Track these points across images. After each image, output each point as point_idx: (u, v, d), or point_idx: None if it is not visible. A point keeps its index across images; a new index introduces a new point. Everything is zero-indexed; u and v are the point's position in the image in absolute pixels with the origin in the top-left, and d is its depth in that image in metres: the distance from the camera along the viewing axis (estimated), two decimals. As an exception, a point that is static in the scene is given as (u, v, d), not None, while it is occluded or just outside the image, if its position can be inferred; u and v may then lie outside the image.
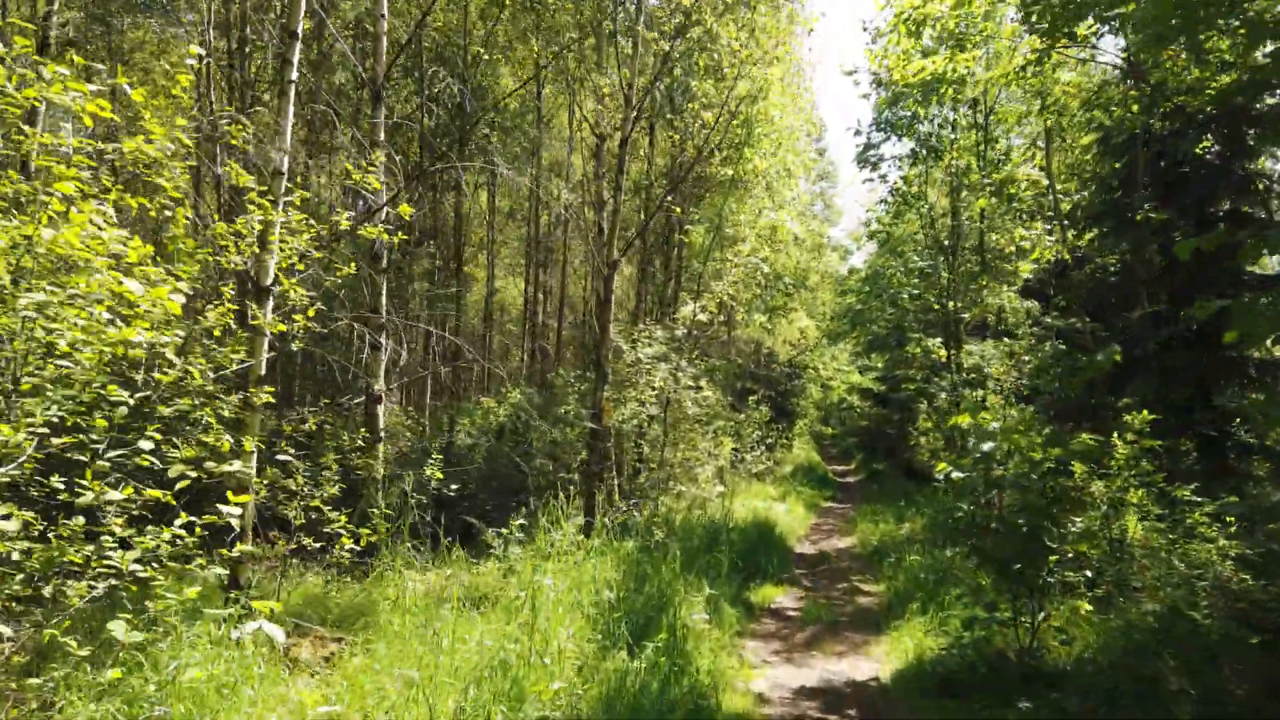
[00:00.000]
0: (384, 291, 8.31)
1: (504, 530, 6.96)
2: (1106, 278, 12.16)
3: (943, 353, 14.30)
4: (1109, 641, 6.96)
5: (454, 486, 9.07)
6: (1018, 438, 6.48)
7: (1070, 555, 6.71)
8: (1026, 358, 12.29)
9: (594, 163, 11.92)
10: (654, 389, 11.67)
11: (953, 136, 14.32)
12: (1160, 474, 8.90)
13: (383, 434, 8.28)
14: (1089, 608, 7.19)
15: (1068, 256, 12.08)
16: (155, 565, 4.05)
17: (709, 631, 6.48)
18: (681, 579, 7.56)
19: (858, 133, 14.94)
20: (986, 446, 6.35)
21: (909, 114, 14.69)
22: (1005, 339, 12.55)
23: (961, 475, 7.27)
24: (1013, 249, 14.32)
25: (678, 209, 12.43)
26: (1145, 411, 8.92)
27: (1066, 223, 12.72)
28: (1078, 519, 6.74)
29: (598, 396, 9.44)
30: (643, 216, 14.56)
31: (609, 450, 12.41)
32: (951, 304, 15.02)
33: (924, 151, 14.59)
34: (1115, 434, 8.63)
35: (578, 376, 13.42)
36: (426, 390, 20.98)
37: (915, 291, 13.79)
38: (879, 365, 36.95)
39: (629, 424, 11.59)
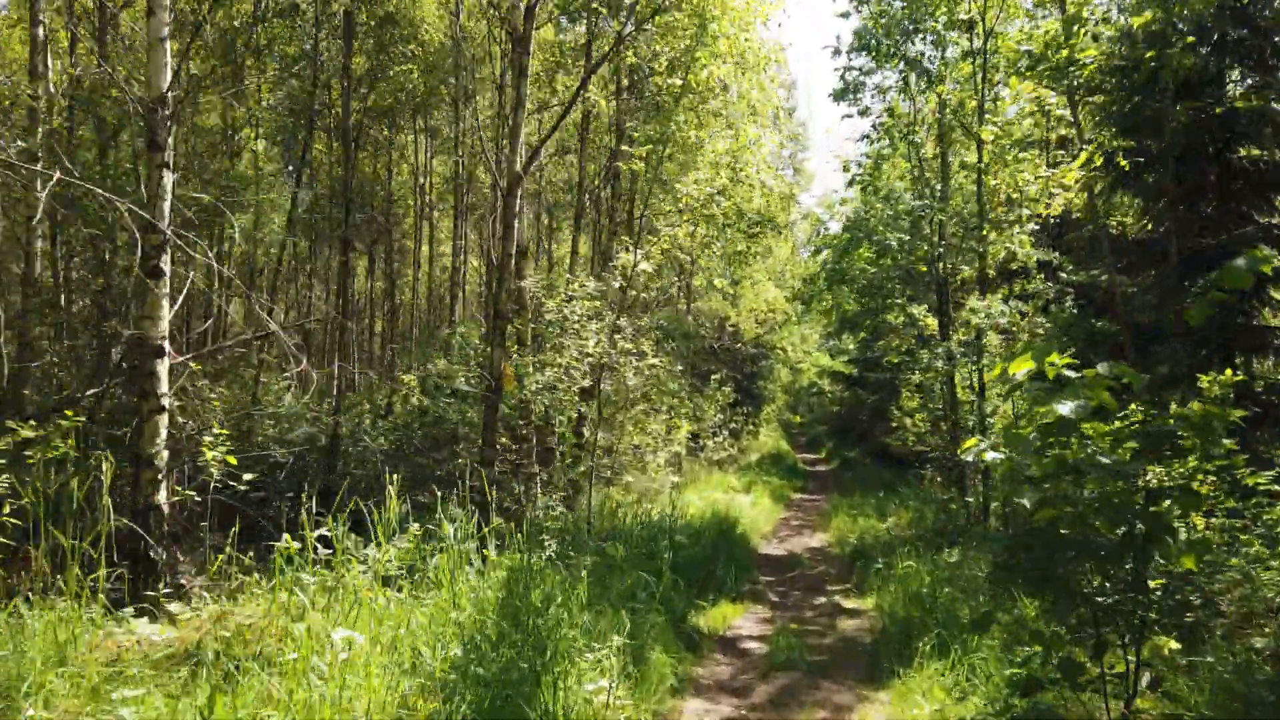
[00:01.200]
0: (168, 194, 5.67)
1: (295, 541, 4.39)
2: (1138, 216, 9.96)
3: (932, 321, 11.97)
4: (1223, 702, 4.67)
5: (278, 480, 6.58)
6: (1106, 396, 4.09)
7: (1178, 573, 4.36)
8: (1040, 319, 10.00)
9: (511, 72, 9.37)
10: (584, 354, 9.17)
11: (947, 55, 11.95)
12: (1241, 456, 6.59)
13: (166, 401, 5.65)
14: (1176, 645, 4.90)
15: (1101, 190, 9.83)
16: None
17: (616, 711, 4.01)
18: (589, 611, 5.08)
19: (836, 52, 12.51)
20: (1067, 408, 3.94)
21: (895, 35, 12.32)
22: (1015, 299, 10.24)
23: (1000, 457, 4.89)
24: (1018, 192, 12.05)
25: (600, 100, 9.99)
26: (1216, 375, 6.68)
27: (1090, 142, 10.46)
28: (1192, 521, 4.37)
29: (494, 360, 6.92)
30: (579, 164, 12.05)
31: (527, 432, 9.87)
32: (941, 265, 12.70)
33: (914, 76, 12.21)
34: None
35: (485, 336, 10.85)
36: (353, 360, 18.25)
37: (905, 236, 11.42)
38: (851, 347, 34.86)
39: (545, 397, 9.06)
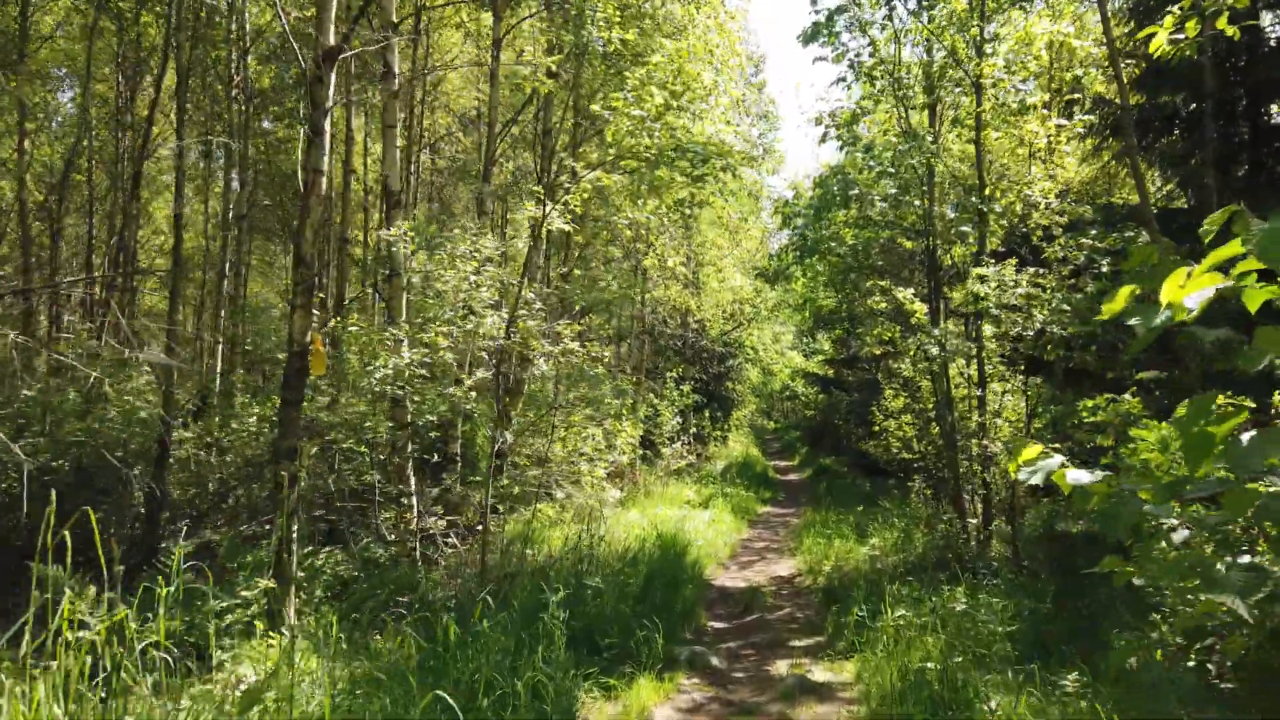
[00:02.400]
0: None
1: None
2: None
3: (921, 306, 9.82)
4: None
5: None
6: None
7: None
8: (1059, 295, 7.80)
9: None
10: (470, 333, 6.84)
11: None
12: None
13: None
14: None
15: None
16: None
17: None
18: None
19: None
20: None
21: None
22: (1028, 268, 8.03)
23: (1091, 477, 2.69)
24: (1023, 147, 9.96)
25: None
26: None
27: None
28: None
29: (294, 328, 4.58)
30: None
31: (401, 439, 7.50)
32: (931, 238, 10.52)
33: (900, 3, 10.04)
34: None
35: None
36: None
37: (893, 190, 9.20)
38: (826, 347, 32.76)
39: (414, 387, 6.67)
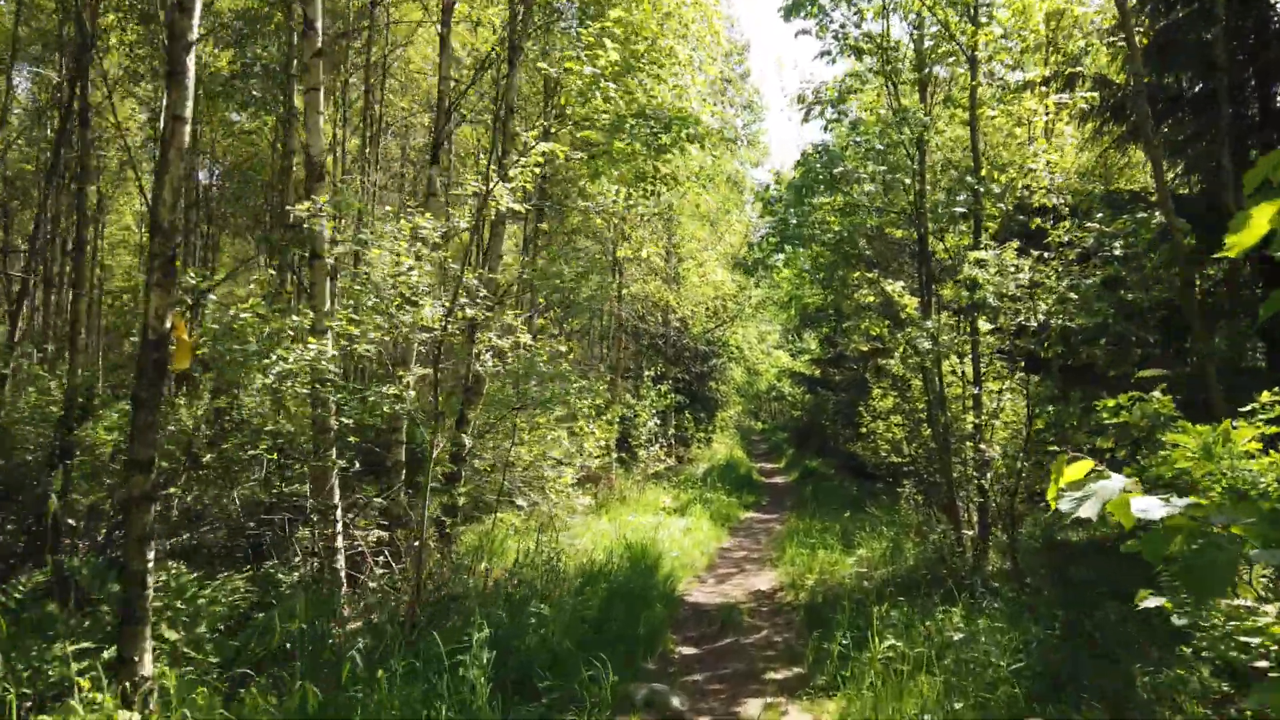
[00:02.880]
0: None
1: None
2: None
3: (911, 301, 9.04)
4: None
5: None
6: None
7: None
8: (1067, 281, 7.00)
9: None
10: (391, 318, 5.99)
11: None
12: None
13: None
14: None
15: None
16: None
17: None
18: None
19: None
20: None
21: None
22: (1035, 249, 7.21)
23: (1165, 508, 1.82)
24: (1020, 126, 9.17)
25: None
26: None
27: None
28: None
29: (151, 311, 3.71)
30: None
31: (326, 442, 6.61)
32: (925, 221, 9.75)
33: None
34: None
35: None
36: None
37: (881, 169, 8.39)
38: (813, 346, 32.00)
39: (294, 383, 5.78)
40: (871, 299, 11.41)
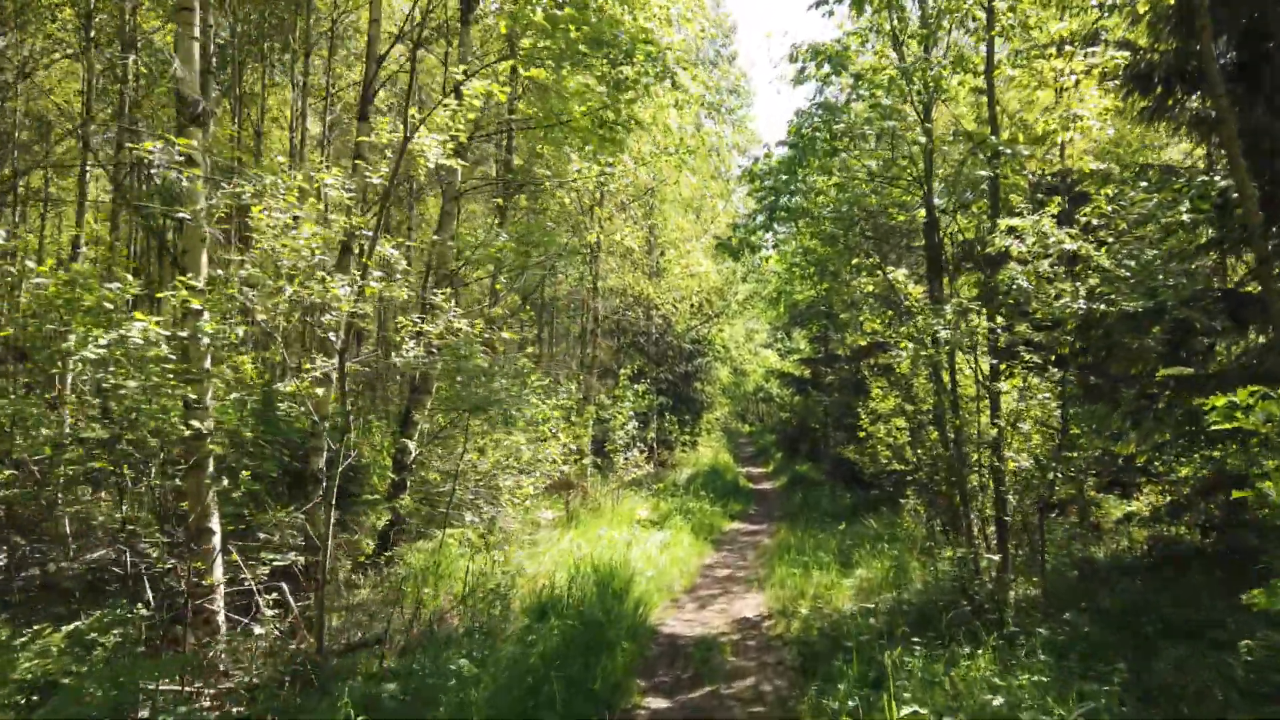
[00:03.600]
0: None
1: None
2: None
3: (916, 290, 7.85)
4: None
5: None
6: None
7: None
8: (1117, 256, 5.76)
9: None
10: (298, 300, 4.67)
11: None
12: None
13: None
14: None
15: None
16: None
17: None
18: None
19: None
20: None
21: None
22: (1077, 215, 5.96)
23: None
24: (1047, 93, 7.92)
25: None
26: None
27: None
28: None
29: None
30: None
31: (200, 451, 5.26)
32: (928, 202, 8.57)
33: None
34: None
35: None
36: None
37: (890, 124, 7.14)
38: (803, 345, 30.77)
39: (111, 374, 4.41)
40: (871, 288, 10.17)
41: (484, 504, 9.11)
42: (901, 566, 9.11)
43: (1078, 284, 6.13)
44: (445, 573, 8.52)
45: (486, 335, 6.32)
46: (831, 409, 17.97)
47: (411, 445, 9.11)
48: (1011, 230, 5.80)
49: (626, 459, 14.26)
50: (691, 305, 20.88)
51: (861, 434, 10.70)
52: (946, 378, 8.43)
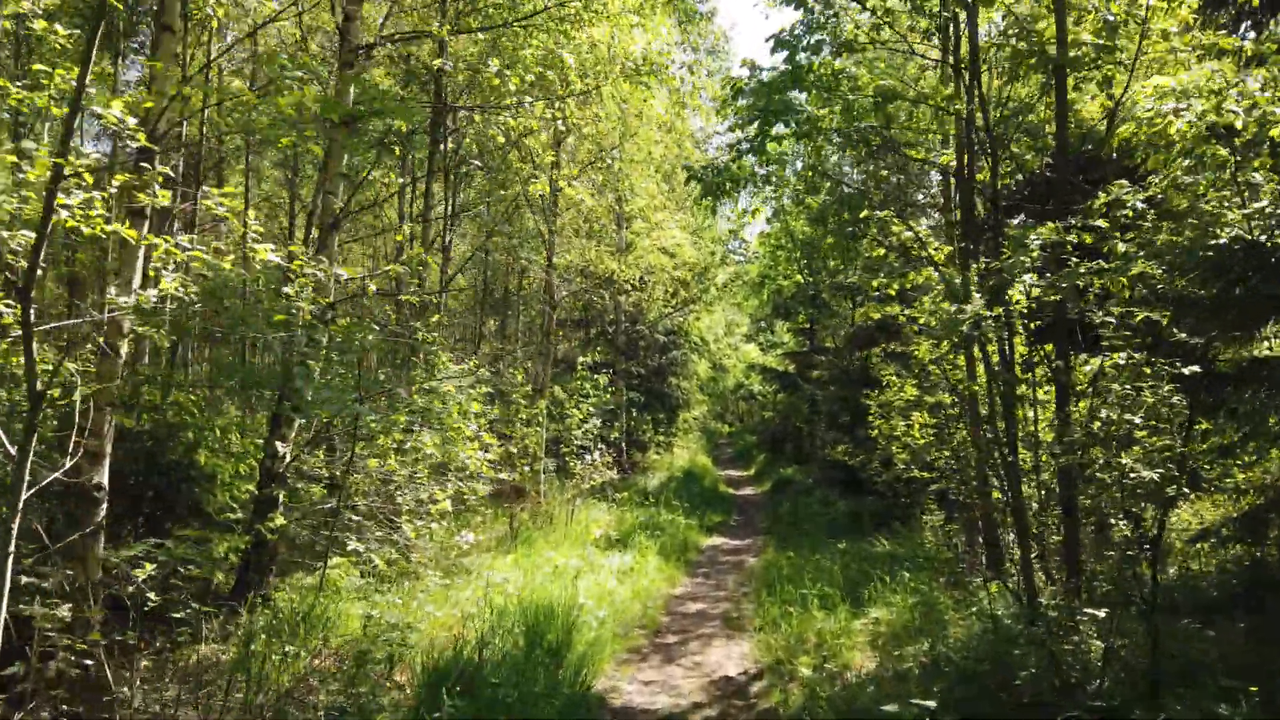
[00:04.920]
0: None
1: None
2: None
3: (939, 254, 5.73)
4: None
5: None
6: None
7: None
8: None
9: None
10: None
11: None
12: None
13: None
14: None
15: None
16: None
17: None
18: None
19: None
20: None
21: None
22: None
23: None
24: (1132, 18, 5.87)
25: None
26: None
27: None
28: None
29: None
30: None
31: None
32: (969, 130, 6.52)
33: None
34: None
35: None
36: None
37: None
38: (786, 338, 28.71)
39: None
40: (880, 253, 8.08)
41: (378, 525, 6.86)
42: (929, 604, 6.99)
43: (1220, 217, 4.04)
44: (320, 621, 6.28)
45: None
46: (823, 404, 15.89)
47: (284, 448, 6.84)
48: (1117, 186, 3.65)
49: (587, 463, 12.05)
50: (666, 290, 18.72)
51: (873, 431, 8.56)
52: (992, 352, 6.34)
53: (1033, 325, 6.43)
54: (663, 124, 12.03)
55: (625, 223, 13.89)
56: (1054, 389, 6.21)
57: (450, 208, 11.26)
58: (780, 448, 24.74)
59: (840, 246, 9.65)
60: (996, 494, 7.46)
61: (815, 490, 16.22)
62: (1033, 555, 6.12)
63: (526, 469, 11.14)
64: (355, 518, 6.62)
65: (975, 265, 6.49)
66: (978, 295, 5.79)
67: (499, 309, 22.64)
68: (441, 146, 9.86)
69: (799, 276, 22.20)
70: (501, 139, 8.34)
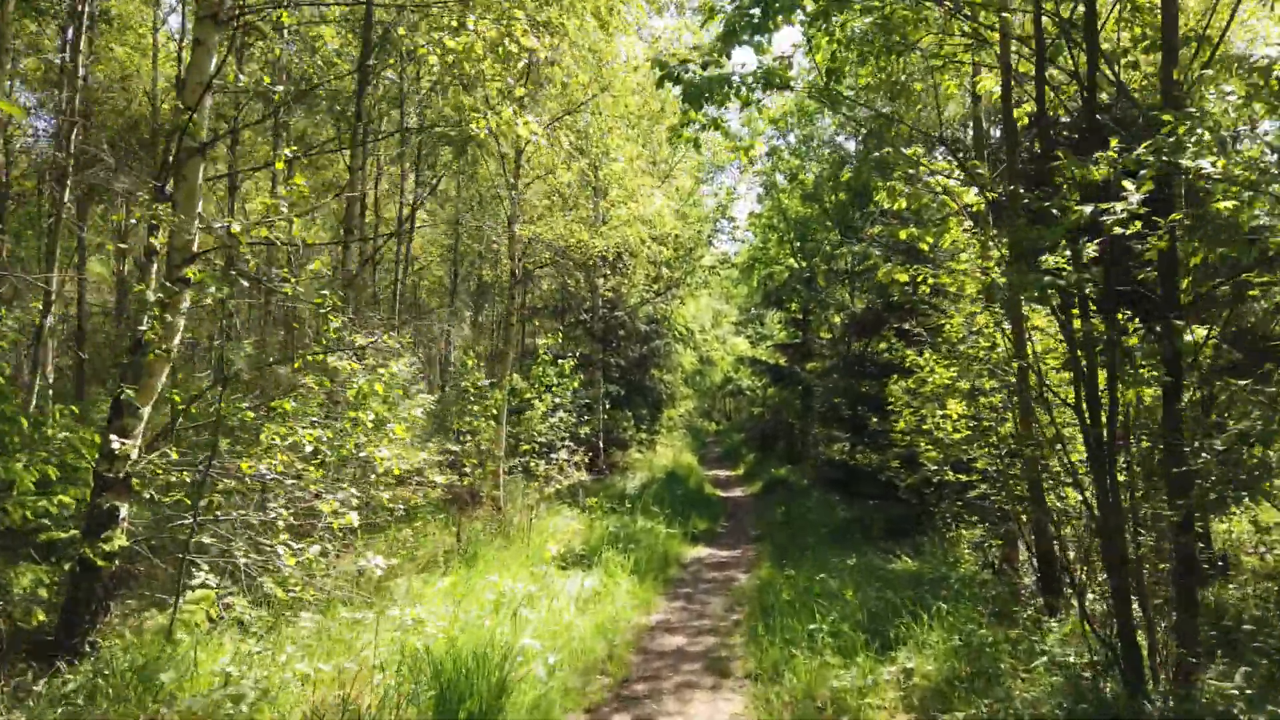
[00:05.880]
0: None
1: None
2: None
3: (970, 194, 3.93)
4: None
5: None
6: None
7: None
8: None
9: None
10: None
11: None
12: None
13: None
14: None
15: None
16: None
17: None
18: None
19: None
20: None
21: None
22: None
23: None
24: None
25: None
26: None
27: None
28: None
29: None
30: None
31: None
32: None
33: None
34: None
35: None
36: None
37: None
38: (778, 331, 27.08)
39: None
40: (902, 204, 6.46)
41: (251, 547, 5.15)
42: (977, 646, 5.36)
43: None
44: (159, 677, 4.59)
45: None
46: (820, 397, 14.26)
47: (127, 445, 5.12)
48: None
49: (551, 463, 10.36)
50: (647, 274, 17.04)
51: (898, 424, 6.90)
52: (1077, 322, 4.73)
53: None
54: (637, 65, 10.37)
55: (600, 193, 12.22)
56: (1146, 366, 4.62)
57: (412, 172, 9.58)
58: (771, 446, 23.15)
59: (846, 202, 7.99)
60: (1054, 499, 5.88)
61: (812, 492, 14.62)
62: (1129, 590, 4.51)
63: (480, 470, 9.44)
64: (209, 540, 4.91)
65: (1019, 217, 4.87)
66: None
67: (475, 301, 20.94)
68: (373, 85, 8.14)
69: (792, 261, 20.60)
70: (435, 59, 6.64)
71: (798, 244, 19.57)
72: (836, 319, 17.09)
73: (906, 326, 8.65)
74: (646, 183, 11.69)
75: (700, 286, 19.05)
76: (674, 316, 18.98)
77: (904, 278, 5.99)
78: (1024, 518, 6.32)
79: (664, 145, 15.45)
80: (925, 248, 6.37)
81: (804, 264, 20.06)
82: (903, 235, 5.91)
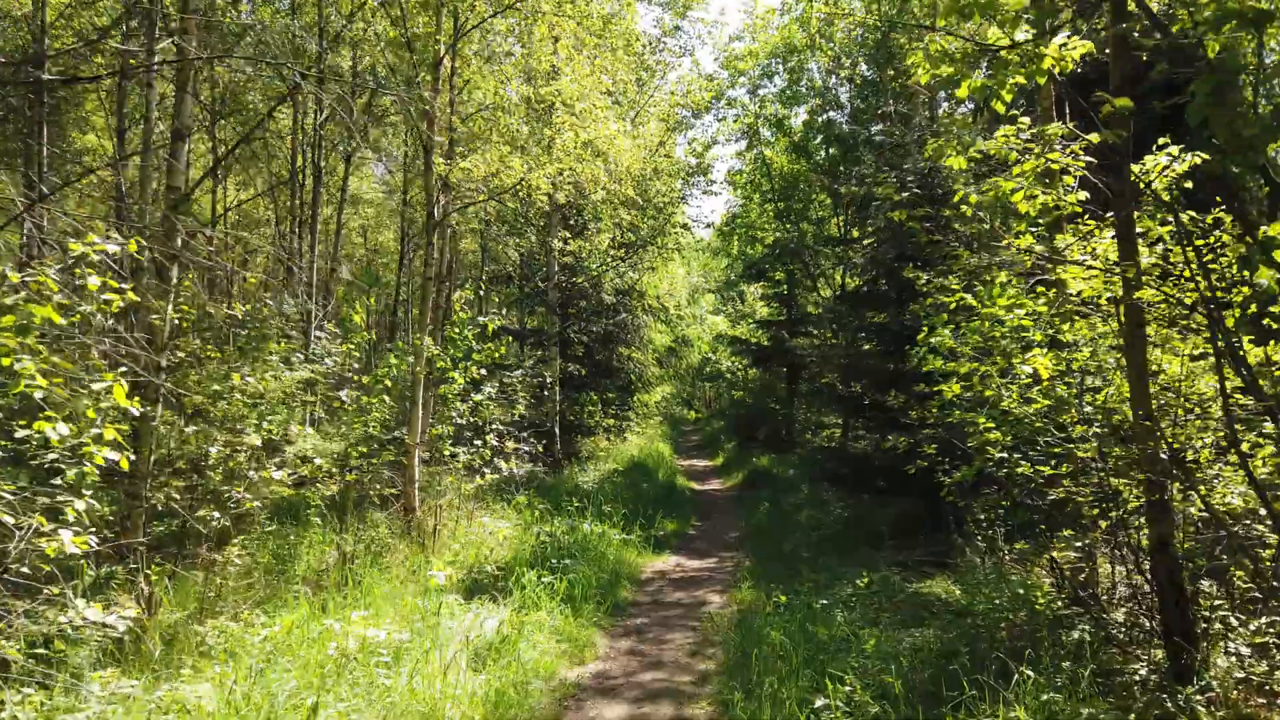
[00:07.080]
0: None
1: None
2: None
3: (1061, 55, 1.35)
4: None
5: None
6: None
7: None
8: None
9: None
10: None
11: None
12: None
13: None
14: None
15: None
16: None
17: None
18: None
19: None
20: None
21: None
22: None
23: None
24: None
25: None
26: None
27: None
28: None
29: None
30: None
31: None
32: None
33: None
34: None
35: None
36: None
37: None
38: (760, 308, 24.90)
39: None
40: (947, 69, 4.26)
41: None
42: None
43: None
44: None
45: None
46: (817, 365, 12.09)
47: None
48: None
49: (473, 452, 8.10)
50: (613, 238, 14.75)
51: (948, 393, 4.69)
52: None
53: None
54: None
55: (543, 120, 9.96)
56: None
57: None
58: (753, 433, 20.96)
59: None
60: (1196, 501, 3.79)
61: (800, 485, 12.47)
62: None
63: (370, 462, 7.17)
64: None
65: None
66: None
67: (442, 280, 18.71)
68: None
69: (775, 229, 18.43)
70: None
71: (782, 205, 17.38)
72: (826, 292, 14.96)
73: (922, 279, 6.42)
74: (598, 103, 9.41)
75: (673, 251, 16.78)
76: (644, 286, 16.72)
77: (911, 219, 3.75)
78: (1138, 528, 4.18)
79: (630, 84, 13.18)
80: (962, 164, 4.23)
81: (790, 229, 17.88)
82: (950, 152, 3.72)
